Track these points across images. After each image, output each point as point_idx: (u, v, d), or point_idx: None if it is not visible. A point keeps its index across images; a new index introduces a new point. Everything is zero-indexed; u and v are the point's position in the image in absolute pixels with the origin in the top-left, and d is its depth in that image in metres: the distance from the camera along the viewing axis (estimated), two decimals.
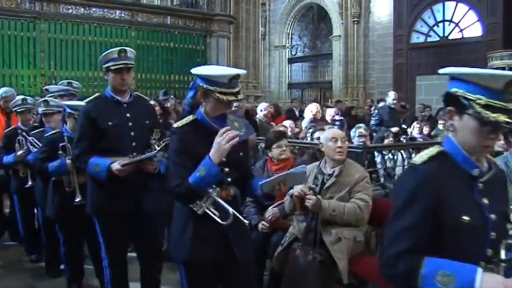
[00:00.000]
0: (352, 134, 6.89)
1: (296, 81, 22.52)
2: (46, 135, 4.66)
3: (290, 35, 22.17)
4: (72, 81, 6.98)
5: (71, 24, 14.10)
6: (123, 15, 15.07)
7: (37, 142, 5.04)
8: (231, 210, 2.71)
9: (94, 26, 14.46)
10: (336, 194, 3.97)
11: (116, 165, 3.59)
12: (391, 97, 9.60)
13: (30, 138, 5.19)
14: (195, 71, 2.77)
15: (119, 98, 3.84)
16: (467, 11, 14.01)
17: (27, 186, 5.31)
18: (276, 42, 22.12)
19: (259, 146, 6.30)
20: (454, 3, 14.27)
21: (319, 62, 22.45)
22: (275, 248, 4.14)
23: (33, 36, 13.55)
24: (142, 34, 15.32)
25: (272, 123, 8.76)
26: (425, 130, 9.39)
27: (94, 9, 14.53)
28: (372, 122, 9.65)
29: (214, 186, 2.74)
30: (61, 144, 4.43)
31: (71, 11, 14.15)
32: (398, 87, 15.42)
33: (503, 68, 9.49)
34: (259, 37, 21.35)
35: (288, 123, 8.01)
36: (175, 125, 2.86)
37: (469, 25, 14.04)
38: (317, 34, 21.97)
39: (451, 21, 14.45)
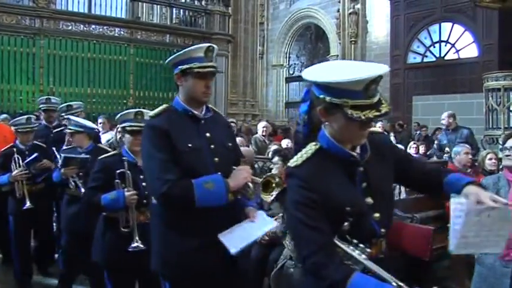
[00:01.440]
0: None
1: (293, 100, 22.55)
2: (101, 157, 3.70)
3: (288, 55, 22.29)
4: (71, 103, 6.78)
5: (70, 40, 14.21)
6: (122, 32, 15.19)
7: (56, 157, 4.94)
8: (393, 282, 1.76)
9: (93, 43, 14.58)
10: None
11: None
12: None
13: (61, 154, 4.83)
14: (307, 74, 1.97)
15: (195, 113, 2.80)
16: (463, 32, 14.12)
17: (25, 208, 5.03)
18: (274, 61, 22.22)
19: (256, 165, 6.33)
20: (450, 24, 14.39)
21: None
22: (273, 264, 4.14)
23: (33, 52, 13.65)
24: (141, 52, 15.44)
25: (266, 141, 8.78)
26: (422, 149, 9.43)
27: (94, 26, 14.65)
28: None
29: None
30: (119, 171, 3.50)
31: (70, 27, 14.26)
32: (396, 107, 15.47)
33: (498, 89, 9.55)
34: (257, 56, 21.51)
35: (285, 142, 8.05)
36: (291, 164, 1.96)
37: (465, 46, 14.13)
38: (315, 54, 22.08)
39: (447, 42, 14.55)
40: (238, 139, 7.84)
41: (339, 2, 18.36)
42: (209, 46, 2.84)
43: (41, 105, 6.61)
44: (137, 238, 3.43)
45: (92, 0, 14.92)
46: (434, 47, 14.89)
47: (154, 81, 15.65)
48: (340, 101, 1.78)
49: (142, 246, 3.38)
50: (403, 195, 6.18)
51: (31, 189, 5.16)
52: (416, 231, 4.80)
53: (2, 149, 5.40)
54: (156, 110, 2.81)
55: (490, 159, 5.84)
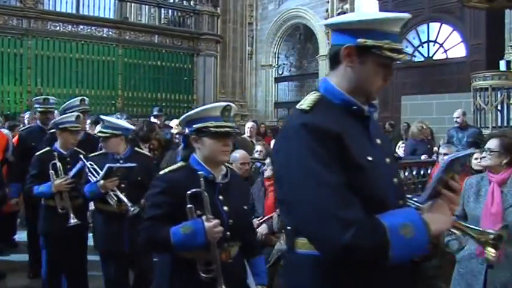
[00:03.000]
0: None
1: (282, 101, 22.59)
2: (164, 172, 2.71)
3: (277, 55, 22.29)
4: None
5: (58, 41, 14.13)
6: (110, 33, 15.13)
7: (97, 169, 4.06)
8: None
9: (81, 43, 14.51)
10: None
11: None
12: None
13: (88, 163, 4.17)
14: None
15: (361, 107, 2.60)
16: (451, 32, 14.19)
17: (70, 225, 4.30)
18: (263, 61, 22.22)
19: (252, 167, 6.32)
20: (439, 24, 14.45)
21: (305, 82, 22.56)
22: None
23: (20, 52, 13.54)
24: (129, 52, 15.38)
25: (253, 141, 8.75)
26: None
27: (82, 26, 14.57)
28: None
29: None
30: (191, 192, 2.55)
31: (58, 28, 14.17)
32: (384, 107, 15.53)
33: (486, 89, 9.61)
34: (246, 56, 21.49)
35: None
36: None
37: (453, 46, 14.20)
38: (303, 54, 22.11)
39: (435, 42, 14.62)
40: None
41: (328, 2, 18.39)
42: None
43: (37, 106, 5.97)
44: (223, 287, 2.56)
45: (80, 0, 14.83)
46: (422, 47, 14.96)
47: (143, 82, 15.60)
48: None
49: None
50: None
51: (75, 204, 4.47)
52: None
53: (38, 153, 4.58)
54: (309, 100, 1.80)
55: (476, 158, 5.88)
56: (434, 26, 14.62)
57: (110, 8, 15.99)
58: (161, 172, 2.72)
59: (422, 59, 14.97)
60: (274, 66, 22.25)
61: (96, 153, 4.38)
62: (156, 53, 15.87)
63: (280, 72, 22.43)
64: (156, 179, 2.71)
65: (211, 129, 2.59)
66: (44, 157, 4.48)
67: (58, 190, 4.34)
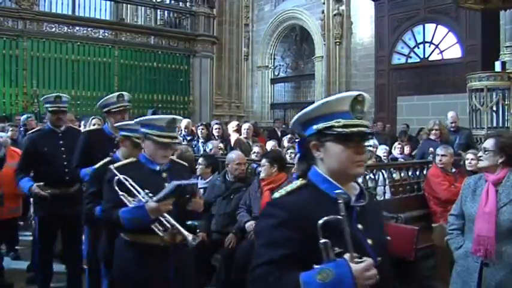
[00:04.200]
0: None
1: (279, 102, 22.60)
2: (280, 196, 1.94)
3: (273, 56, 22.30)
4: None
5: (54, 42, 14.11)
6: (106, 34, 15.11)
7: (134, 185, 3.23)
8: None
9: (77, 44, 14.49)
10: None
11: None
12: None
13: (122, 176, 3.23)
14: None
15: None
16: (446, 33, 14.21)
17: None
18: (259, 62, 22.22)
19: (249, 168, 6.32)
20: (434, 25, 14.48)
21: (301, 83, 22.58)
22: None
23: (16, 54, 13.51)
24: (125, 53, 15.37)
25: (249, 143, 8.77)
26: (407, 150, 9.48)
27: (78, 28, 14.56)
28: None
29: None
30: (323, 221, 1.77)
31: (54, 29, 14.15)
32: (380, 108, 15.57)
33: (482, 90, 9.64)
34: (242, 57, 21.49)
35: (270, 144, 8.08)
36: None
37: (448, 47, 14.23)
38: (300, 55, 22.13)
39: (431, 43, 14.64)
40: (214, 142, 7.91)
41: (324, 3, 18.40)
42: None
43: (48, 106, 5.15)
44: None
45: (76, 1, 14.81)
46: (418, 47, 14.98)
47: (139, 83, 15.59)
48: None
49: None
50: (387, 196, 6.22)
51: None
52: (401, 231, 4.84)
53: (97, 166, 3.87)
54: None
55: (467, 159, 5.94)
56: (430, 27, 14.65)
57: (105, 10, 16.01)
58: (275, 195, 1.95)
59: (418, 60, 15.00)
60: (270, 68, 22.26)
61: (124, 162, 3.41)
62: (152, 54, 15.86)
63: (276, 74, 22.44)
64: (269, 205, 1.94)
65: (339, 129, 1.86)
66: (103, 169, 3.53)
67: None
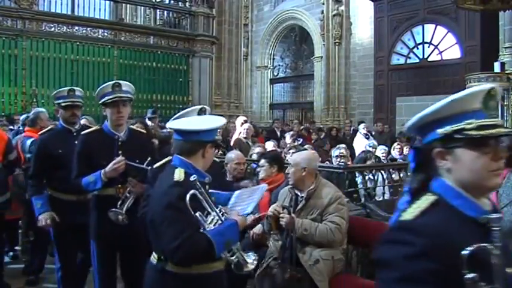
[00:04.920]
0: (332, 154, 6.97)
1: (278, 102, 22.63)
2: (412, 218, 1.55)
3: (272, 56, 22.33)
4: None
5: (53, 42, 14.08)
6: (106, 34, 15.08)
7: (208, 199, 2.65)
8: None
9: (77, 44, 14.46)
10: (308, 216, 3.98)
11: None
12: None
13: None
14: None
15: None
16: (446, 34, 14.24)
17: None
18: (258, 62, 22.25)
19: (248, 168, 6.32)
20: (433, 26, 14.51)
21: (300, 83, 22.61)
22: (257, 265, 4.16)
23: (15, 53, 13.48)
24: (125, 53, 15.33)
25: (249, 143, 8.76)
26: (406, 151, 9.48)
27: (77, 27, 14.53)
28: None
29: None
30: (468, 252, 1.44)
31: (53, 29, 14.12)
32: (379, 108, 15.60)
33: None
34: (241, 58, 21.49)
35: (270, 144, 8.08)
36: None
37: (447, 47, 14.26)
38: (299, 55, 22.14)
39: (430, 43, 14.67)
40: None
41: (323, 3, 18.43)
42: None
43: (60, 101, 4.55)
44: None
45: (75, 1, 14.78)
46: (417, 48, 15.02)
47: (138, 83, 15.53)
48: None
49: None
50: (387, 196, 6.22)
51: None
52: None
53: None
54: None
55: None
56: (429, 27, 14.68)
57: (105, 9, 15.97)
58: (406, 216, 1.53)
59: (418, 60, 15.03)
60: (269, 68, 22.29)
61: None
62: (151, 54, 15.83)
63: (275, 74, 22.47)
64: (402, 230, 1.51)
65: (472, 133, 1.50)
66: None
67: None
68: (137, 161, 3.69)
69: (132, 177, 3.72)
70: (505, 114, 9.59)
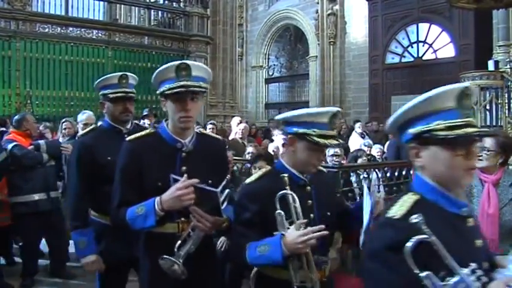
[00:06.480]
0: (327, 153, 6.95)
1: (273, 101, 22.60)
2: None
3: (267, 56, 22.30)
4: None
5: (47, 43, 14.04)
6: (100, 35, 15.06)
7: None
8: None
9: (71, 45, 14.43)
10: None
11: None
12: None
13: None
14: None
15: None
16: (440, 33, 14.26)
17: None
18: (253, 62, 22.21)
19: (235, 167, 6.30)
20: (428, 24, 14.52)
21: (296, 82, 22.58)
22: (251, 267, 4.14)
23: (9, 55, 13.44)
24: (119, 54, 15.31)
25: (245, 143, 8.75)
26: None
27: (71, 28, 14.49)
28: None
29: None
30: None
31: (47, 30, 14.09)
32: (374, 107, 15.60)
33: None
34: (236, 58, 21.48)
35: (266, 144, 8.07)
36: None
37: (442, 46, 14.27)
38: (294, 55, 22.12)
39: (424, 42, 14.69)
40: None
41: (318, 3, 18.42)
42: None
43: (108, 91, 3.49)
44: None
45: (69, 2, 14.75)
46: (412, 47, 15.03)
47: None
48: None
49: None
50: (382, 195, 6.21)
51: None
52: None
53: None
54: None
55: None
56: (424, 26, 14.70)
57: (99, 10, 15.93)
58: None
59: (412, 59, 15.04)
60: (264, 67, 22.26)
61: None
62: (146, 55, 15.81)
63: (270, 73, 22.44)
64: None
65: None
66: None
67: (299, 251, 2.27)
68: (210, 181, 2.52)
69: (199, 205, 2.45)
70: (500, 113, 9.59)
